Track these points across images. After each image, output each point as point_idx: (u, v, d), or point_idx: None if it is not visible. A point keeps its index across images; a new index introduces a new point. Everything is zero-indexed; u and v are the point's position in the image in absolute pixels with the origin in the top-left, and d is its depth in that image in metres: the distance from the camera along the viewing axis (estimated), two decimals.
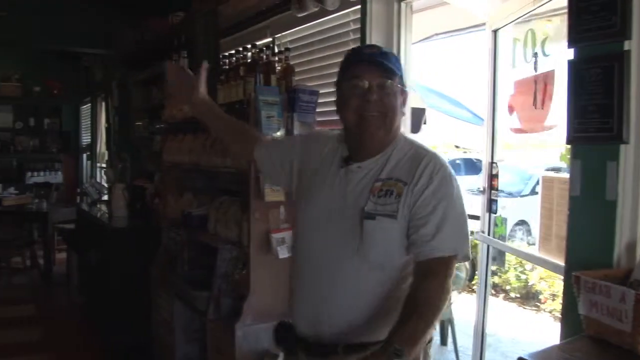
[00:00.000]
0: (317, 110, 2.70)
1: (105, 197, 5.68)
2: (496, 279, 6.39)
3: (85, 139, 9.67)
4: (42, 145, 9.60)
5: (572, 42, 1.85)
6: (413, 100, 2.71)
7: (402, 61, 2.64)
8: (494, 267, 5.65)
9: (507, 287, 6.42)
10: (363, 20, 2.73)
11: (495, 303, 6.18)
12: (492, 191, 2.74)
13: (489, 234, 2.78)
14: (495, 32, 2.73)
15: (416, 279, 1.55)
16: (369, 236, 1.58)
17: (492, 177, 2.74)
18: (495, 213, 2.76)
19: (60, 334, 4.84)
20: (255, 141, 1.98)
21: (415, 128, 2.81)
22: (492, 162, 2.76)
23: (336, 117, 2.52)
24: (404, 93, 1.66)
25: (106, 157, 7.26)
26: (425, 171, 1.58)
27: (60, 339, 4.73)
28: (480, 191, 2.81)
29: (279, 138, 2.06)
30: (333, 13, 2.92)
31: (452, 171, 1.63)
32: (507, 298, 6.41)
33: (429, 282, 1.51)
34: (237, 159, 2.49)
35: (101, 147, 8.30)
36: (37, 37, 6.18)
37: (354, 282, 1.61)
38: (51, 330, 4.94)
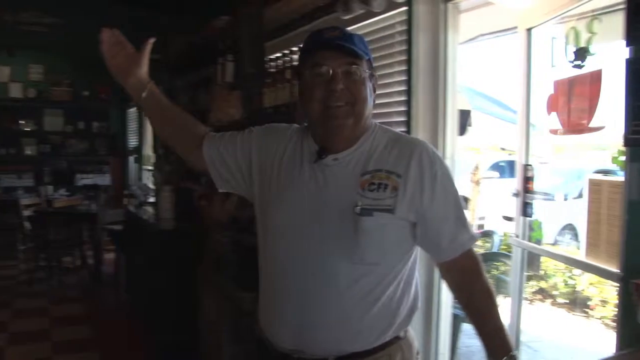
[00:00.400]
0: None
1: (152, 199, 5.77)
2: (543, 284, 6.26)
3: (133, 141, 9.87)
4: (91, 148, 9.86)
5: (630, 40, 1.79)
6: (459, 102, 2.67)
7: (449, 63, 2.61)
8: (530, 273, 5.56)
9: (555, 293, 6.28)
10: (409, 21, 2.71)
11: (542, 308, 6.05)
12: (527, 194, 2.68)
13: (523, 238, 2.72)
14: (529, 30, 2.67)
15: (458, 275, 1.53)
16: (366, 235, 1.42)
17: (527, 179, 2.68)
18: (531, 217, 2.70)
19: (108, 332, 4.96)
20: (204, 138, 1.69)
21: (461, 130, 2.77)
22: (526, 165, 2.70)
23: (384, 120, 2.51)
24: (373, 78, 1.53)
25: (153, 160, 7.38)
26: (424, 162, 1.46)
27: (108, 337, 4.85)
28: (515, 194, 2.75)
29: (228, 133, 1.72)
30: (379, 15, 2.91)
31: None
32: (555, 304, 6.27)
33: (476, 275, 1.51)
34: (188, 162, 1.82)
35: (148, 149, 8.46)
36: (88, 44, 6.34)
37: (346, 289, 1.44)
38: (100, 328, 5.06)
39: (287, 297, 1.50)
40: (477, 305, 1.50)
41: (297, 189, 1.51)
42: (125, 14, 6.18)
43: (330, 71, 1.44)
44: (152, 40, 1.70)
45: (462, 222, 1.50)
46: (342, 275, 1.43)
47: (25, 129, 9.44)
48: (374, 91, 1.54)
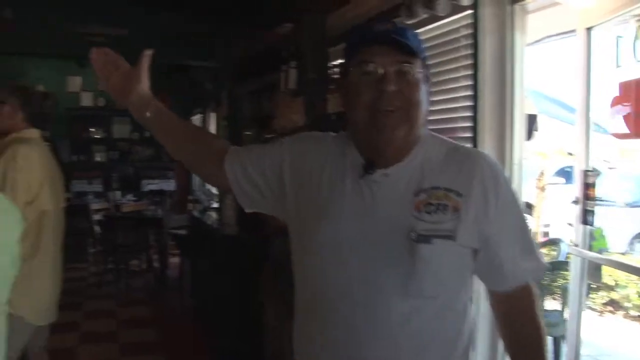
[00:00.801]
0: (429, 119, 2.65)
1: (216, 205, 5.87)
2: (614, 295, 6.01)
3: None
4: (157, 155, 10.12)
5: None
6: (526, 106, 2.60)
7: (517, 66, 2.54)
8: (596, 284, 5.31)
9: (627, 305, 6.02)
10: (475, 24, 2.66)
11: (613, 321, 5.81)
12: (588, 201, 2.56)
13: (584, 247, 2.60)
14: (588, 30, 2.57)
15: (512, 308, 1.35)
16: (424, 264, 1.21)
17: (588, 186, 2.56)
18: (592, 225, 2.58)
19: (173, 336, 5.06)
20: (225, 153, 1.44)
21: (528, 135, 2.69)
22: (587, 170, 2.58)
23: (450, 126, 2.46)
24: (428, 80, 1.31)
25: None
26: (486, 178, 1.27)
27: (173, 340, 4.94)
28: (574, 201, 2.63)
29: (254, 145, 1.53)
30: (443, 19, 2.87)
31: None
32: (628, 316, 6.00)
33: (532, 311, 1.33)
34: (210, 183, 1.69)
35: None
36: (152, 54, 6.51)
37: (399, 326, 1.24)
38: (165, 331, 5.17)
39: (331, 328, 1.29)
40: (525, 344, 1.34)
41: (341, 206, 1.29)
42: (189, 21, 6.33)
43: (381, 70, 1.23)
44: (149, 53, 1.50)
45: (529, 247, 1.33)
46: (395, 310, 1.23)
47: (95, 137, 9.81)
48: (429, 95, 1.33)
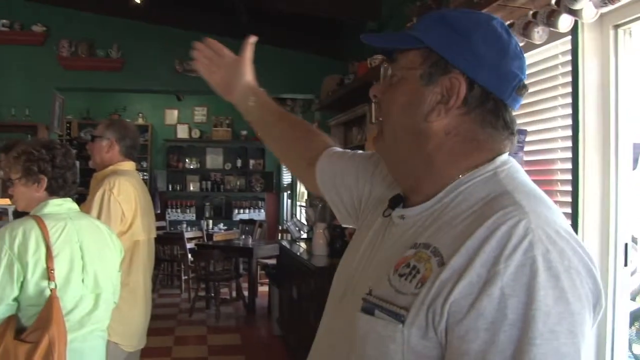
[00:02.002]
0: (525, 149, 2.56)
1: (306, 235, 5.91)
2: None
3: (286, 178, 10.26)
4: (248, 185, 10.39)
5: None
6: (633, 134, 2.45)
7: (621, 92, 2.41)
8: None
9: None
10: (574, 51, 2.55)
11: None
12: None
13: None
14: None
15: None
16: (359, 342, 0.88)
17: None
18: None
19: None
20: (321, 154, 1.28)
21: (634, 164, 2.53)
22: None
23: (547, 157, 2.35)
24: (434, 78, 0.92)
25: (305, 197, 7.60)
26: (487, 246, 0.78)
27: None
28: None
29: (354, 151, 1.30)
30: (540, 46, 2.78)
31: (574, 257, 0.79)
32: None
33: None
34: (304, 183, 1.47)
35: (301, 186, 8.73)
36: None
37: None
38: (253, 358, 5.23)
39: None
40: None
41: (357, 244, 1.09)
42: (280, 56, 6.50)
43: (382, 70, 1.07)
44: (253, 40, 1.40)
45: None
46: None
47: (190, 167, 10.21)
48: (448, 101, 0.92)
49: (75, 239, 2.09)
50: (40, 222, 2.01)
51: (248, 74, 1.39)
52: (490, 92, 0.92)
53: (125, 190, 2.70)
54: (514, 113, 0.98)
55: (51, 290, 1.95)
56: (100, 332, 2.20)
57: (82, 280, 2.08)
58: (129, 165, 2.91)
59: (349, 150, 1.31)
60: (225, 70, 1.40)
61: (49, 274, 1.94)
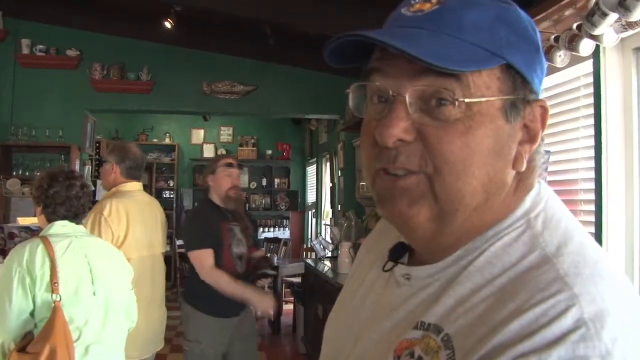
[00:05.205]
0: (549, 170, 2.60)
1: (331, 254, 5.96)
2: None
3: (311, 197, 10.34)
4: (273, 203, 10.49)
5: None
6: None
7: None
8: None
9: None
10: (596, 73, 2.59)
11: None
12: None
13: None
14: None
15: None
16: None
17: None
18: None
19: None
20: None
21: None
22: None
23: (570, 177, 2.37)
24: (521, 110, 0.67)
25: (330, 215, 7.65)
26: (520, 347, 0.55)
27: None
28: None
29: None
30: (561, 70, 2.83)
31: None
32: None
33: None
34: None
35: (326, 205, 8.79)
36: (277, 107, 6.85)
37: None
38: None
39: None
40: None
41: (346, 300, 0.90)
42: (305, 77, 6.61)
43: (391, 93, 0.67)
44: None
45: None
46: None
47: None
48: (535, 139, 0.69)
49: (82, 253, 2.21)
50: (45, 240, 2.15)
51: None
52: None
53: (115, 212, 2.85)
54: None
55: (55, 303, 2.05)
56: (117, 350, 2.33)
57: (94, 293, 2.20)
58: (132, 186, 3.07)
59: None
60: None
61: (52, 287, 2.06)
